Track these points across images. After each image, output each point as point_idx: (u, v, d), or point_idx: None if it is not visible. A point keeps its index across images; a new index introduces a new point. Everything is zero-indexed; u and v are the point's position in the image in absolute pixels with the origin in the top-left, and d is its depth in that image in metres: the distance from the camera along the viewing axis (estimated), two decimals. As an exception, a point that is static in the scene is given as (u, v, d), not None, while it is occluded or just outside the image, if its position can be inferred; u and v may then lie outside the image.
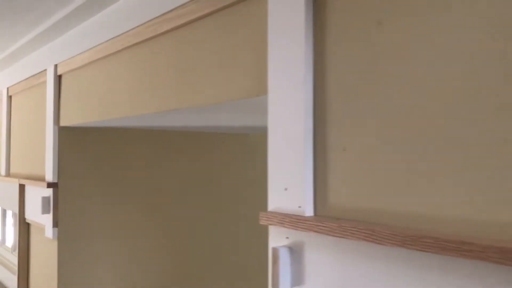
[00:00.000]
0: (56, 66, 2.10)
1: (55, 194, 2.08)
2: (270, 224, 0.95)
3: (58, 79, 2.10)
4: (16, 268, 2.66)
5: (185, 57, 1.32)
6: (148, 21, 1.45)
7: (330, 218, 0.87)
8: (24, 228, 2.43)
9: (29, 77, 2.44)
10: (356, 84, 0.85)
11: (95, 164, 2.19)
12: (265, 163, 1.00)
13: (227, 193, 2.65)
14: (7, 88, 2.78)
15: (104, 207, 2.21)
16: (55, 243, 2.09)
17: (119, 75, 1.65)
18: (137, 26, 1.50)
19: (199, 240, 2.54)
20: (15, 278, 2.57)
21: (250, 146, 2.74)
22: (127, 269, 2.28)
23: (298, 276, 0.91)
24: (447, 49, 0.72)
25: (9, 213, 3.06)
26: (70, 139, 2.11)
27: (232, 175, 2.67)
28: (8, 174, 2.75)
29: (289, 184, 0.93)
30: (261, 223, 0.96)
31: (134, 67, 1.56)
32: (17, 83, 2.63)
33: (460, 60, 0.70)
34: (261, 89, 1.05)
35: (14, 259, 2.81)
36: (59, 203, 2.08)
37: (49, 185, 2.08)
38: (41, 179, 2.25)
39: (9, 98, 2.79)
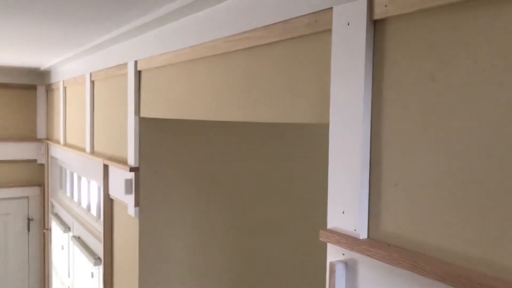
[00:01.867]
0: (136, 62, 2.31)
1: (136, 177, 2.34)
2: (328, 242, 1.10)
3: (138, 74, 2.31)
4: (100, 236, 3.01)
5: (254, 75, 1.46)
6: (225, 37, 1.59)
7: (381, 244, 1.00)
8: (108, 202, 2.74)
9: (111, 67, 2.68)
10: (409, 129, 0.96)
11: (174, 152, 2.42)
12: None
13: (306, 194, 2.82)
14: (90, 73, 3.06)
15: (181, 191, 2.45)
16: (137, 220, 2.36)
17: (195, 81, 1.82)
18: (215, 40, 1.65)
19: (268, 236, 2.74)
20: (100, 245, 2.92)
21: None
22: (198, 250, 2.54)
23: (351, 288, 1.06)
24: (493, 102, 0.82)
25: (92, 184, 3.41)
26: (150, 128, 2.34)
27: (312, 172, 2.83)
28: (92, 152, 3.07)
29: (346, 208, 1.07)
30: (320, 239, 1.12)
31: (208, 76, 1.72)
32: (100, 70, 2.89)
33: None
34: (323, 117, 1.18)
35: (98, 226, 3.17)
36: (140, 186, 2.34)
37: (131, 169, 2.33)
38: (123, 161, 2.51)
39: (92, 82, 3.06)
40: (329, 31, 1.13)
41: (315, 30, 1.18)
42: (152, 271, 2.38)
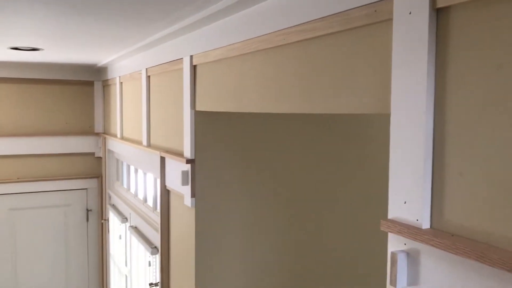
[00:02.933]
0: (191, 57, 2.37)
1: (192, 169, 2.41)
2: (390, 232, 1.10)
3: (194, 68, 2.38)
4: (156, 225, 3.12)
5: (309, 68, 1.48)
6: (278, 31, 1.61)
7: (445, 234, 1.00)
8: (164, 193, 2.84)
9: (167, 63, 2.76)
10: (474, 118, 0.95)
11: (228, 144, 2.48)
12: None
13: (360, 185, 2.82)
14: (146, 69, 3.16)
15: (235, 183, 2.51)
16: (193, 210, 2.43)
17: (249, 74, 1.86)
18: (268, 33, 1.68)
19: (323, 230, 2.76)
20: (157, 234, 3.02)
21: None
22: (253, 242, 2.58)
23: (413, 278, 1.06)
24: None
25: (148, 176, 3.53)
26: (205, 121, 2.40)
27: (365, 163, 2.82)
28: (149, 145, 3.18)
29: (408, 198, 1.07)
30: (381, 229, 1.12)
31: (263, 70, 1.75)
32: (155, 66, 2.98)
33: None
34: (383, 107, 1.18)
35: (154, 217, 3.28)
36: (196, 177, 2.41)
37: (188, 161, 2.41)
38: (178, 153, 2.59)
39: (148, 77, 3.17)
40: (389, 20, 1.13)
41: (375, 20, 1.18)
42: (207, 261, 2.46)
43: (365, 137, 2.86)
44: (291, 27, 1.55)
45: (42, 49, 3.28)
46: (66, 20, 2.27)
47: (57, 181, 4.72)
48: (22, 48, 3.26)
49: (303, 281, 2.72)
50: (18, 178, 4.57)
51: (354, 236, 2.81)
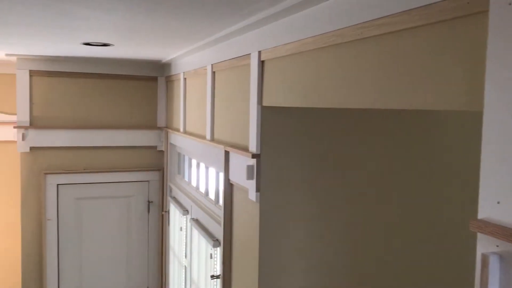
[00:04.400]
0: (260, 52, 2.38)
1: (258, 164, 2.42)
2: (481, 232, 1.06)
3: (261, 64, 2.39)
4: (218, 219, 3.17)
5: (389, 62, 1.44)
6: (354, 25, 1.58)
7: (545, 237, 0.95)
8: (228, 187, 2.87)
9: (233, 59, 2.79)
10: None
11: (294, 140, 2.47)
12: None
13: (435, 185, 2.74)
14: (211, 65, 3.21)
15: (301, 179, 2.50)
16: (257, 205, 2.45)
17: (322, 69, 1.84)
18: (343, 28, 1.65)
19: (394, 229, 2.70)
20: (219, 227, 3.07)
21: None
22: (319, 240, 2.56)
23: (507, 282, 1.01)
24: None
25: (211, 169, 3.58)
26: (272, 116, 2.40)
27: (440, 161, 2.74)
28: (212, 139, 3.23)
29: (502, 198, 1.03)
30: (471, 229, 1.08)
31: (337, 64, 1.73)
32: (221, 61, 3.02)
33: None
34: (474, 104, 1.13)
35: (216, 210, 3.33)
36: (261, 172, 2.42)
37: (253, 155, 2.42)
38: (243, 148, 2.61)
39: (213, 73, 3.21)
40: (484, 12, 1.08)
41: (467, 12, 1.13)
42: (271, 256, 2.46)
43: (437, 135, 2.77)
44: (368, 21, 1.52)
45: (112, 45, 3.41)
46: (138, 16, 2.34)
47: (120, 173, 4.90)
48: (93, 44, 3.39)
49: (369, 283, 2.68)
50: (84, 169, 4.78)
51: (428, 237, 2.73)
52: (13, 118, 4.99)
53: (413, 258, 2.75)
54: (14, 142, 4.74)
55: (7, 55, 4.36)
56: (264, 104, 2.38)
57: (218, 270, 3.10)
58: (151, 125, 4.96)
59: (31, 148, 4.59)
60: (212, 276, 3.06)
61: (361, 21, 1.55)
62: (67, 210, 4.75)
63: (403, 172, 2.72)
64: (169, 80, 4.76)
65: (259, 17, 2.17)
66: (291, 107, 2.32)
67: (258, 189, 2.43)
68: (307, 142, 2.51)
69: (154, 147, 4.97)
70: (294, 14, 2.03)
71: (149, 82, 4.93)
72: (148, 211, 5.04)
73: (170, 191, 4.77)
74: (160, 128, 4.93)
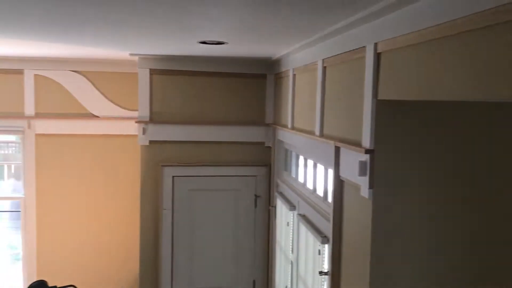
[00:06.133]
0: (376, 44, 2.31)
1: (371, 159, 2.35)
2: None
3: (377, 56, 2.31)
4: (327, 215, 3.14)
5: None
6: (481, 11, 1.47)
7: None
8: (338, 183, 2.83)
9: (345, 52, 2.74)
10: None
11: (412, 135, 2.35)
12: None
13: None
14: (322, 60, 3.19)
15: (419, 177, 2.37)
16: (370, 202, 2.38)
17: (445, 60, 1.73)
18: (469, 15, 1.54)
19: None
20: (327, 224, 3.04)
21: None
22: (435, 238, 2.41)
23: None
24: None
25: (319, 166, 3.57)
26: (388, 111, 2.32)
27: None
28: (321, 134, 3.21)
29: None
30: None
31: (463, 53, 1.62)
32: (332, 56, 2.99)
33: None
34: None
35: (325, 206, 3.31)
36: (375, 168, 2.35)
37: (366, 151, 2.36)
38: (354, 143, 2.56)
39: (324, 68, 3.19)
40: None
41: None
42: (384, 254, 2.38)
43: None
44: (502, 5, 1.39)
45: (226, 43, 3.53)
46: (253, 12, 2.40)
47: (229, 167, 5.08)
48: (209, 42, 3.55)
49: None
50: (197, 162, 5.03)
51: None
52: (133, 114, 5.41)
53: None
54: (134, 136, 5.13)
55: (131, 55, 4.73)
56: (380, 97, 2.30)
57: (326, 266, 3.08)
58: (260, 122, 5.07)
59: (150, 142, 4.93)
60: (321, 273, 3.04)
61: (494, 5, 1.43)
62: (181, 201, 5.03)
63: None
64: (278, 77, 4.83)
65: (375, 8, 2.11)
66: (407, 101, 2.23)
67: (371, 186, 2.36)
68: (425, 138, 2.38)
69: (262, 143, 5.07)
70: (414, 3, 1.94)
71: (258, 79, 5.04)
72: (255, 205, 5.16)
73: (277, 186, 4.83)
74: (268, 125, 5.02)
